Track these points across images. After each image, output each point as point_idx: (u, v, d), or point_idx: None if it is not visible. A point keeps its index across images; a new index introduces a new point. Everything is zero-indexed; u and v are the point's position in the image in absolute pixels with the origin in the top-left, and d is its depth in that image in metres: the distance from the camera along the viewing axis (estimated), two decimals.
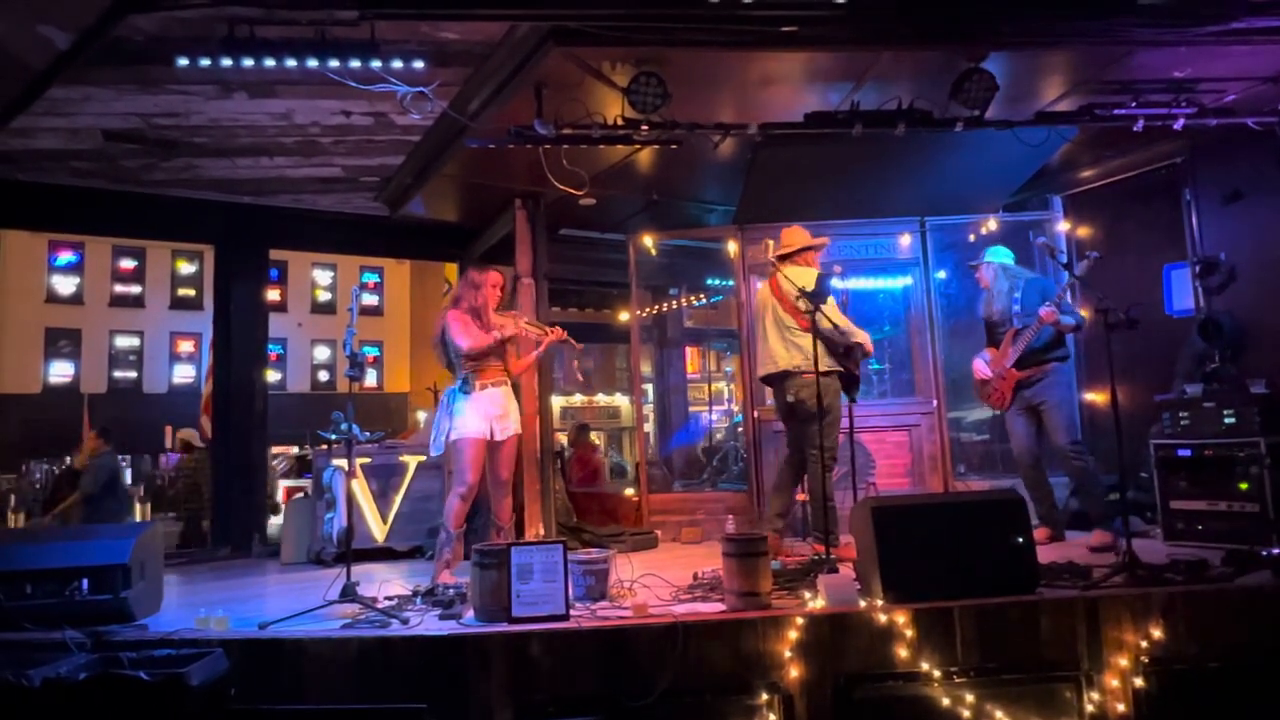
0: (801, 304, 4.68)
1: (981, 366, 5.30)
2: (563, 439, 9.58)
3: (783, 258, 4.93)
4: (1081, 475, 4.96)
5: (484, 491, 4.65)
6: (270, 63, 4.18)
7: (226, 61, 4.18)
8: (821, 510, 4.51)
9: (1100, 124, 4.86)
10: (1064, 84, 4.88)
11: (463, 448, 4.38)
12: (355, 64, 4.26)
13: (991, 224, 6.37)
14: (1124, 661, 3.38)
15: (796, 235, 5.04)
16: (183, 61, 4.28)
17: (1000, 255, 5.34)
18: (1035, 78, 4.82)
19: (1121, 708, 3.35)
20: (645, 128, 4.53)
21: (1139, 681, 3.36)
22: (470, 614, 3.58)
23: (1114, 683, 3.36)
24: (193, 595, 4.69)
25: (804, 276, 4.72)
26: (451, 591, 3.97)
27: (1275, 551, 3.86)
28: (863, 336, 4.87)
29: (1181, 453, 4.86)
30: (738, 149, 5.40)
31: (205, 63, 4.25)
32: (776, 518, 4.94)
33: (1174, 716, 3.36)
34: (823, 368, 4.67)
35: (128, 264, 23.23)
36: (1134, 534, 4.03)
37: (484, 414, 4.42)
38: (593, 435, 9.45)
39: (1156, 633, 3.41)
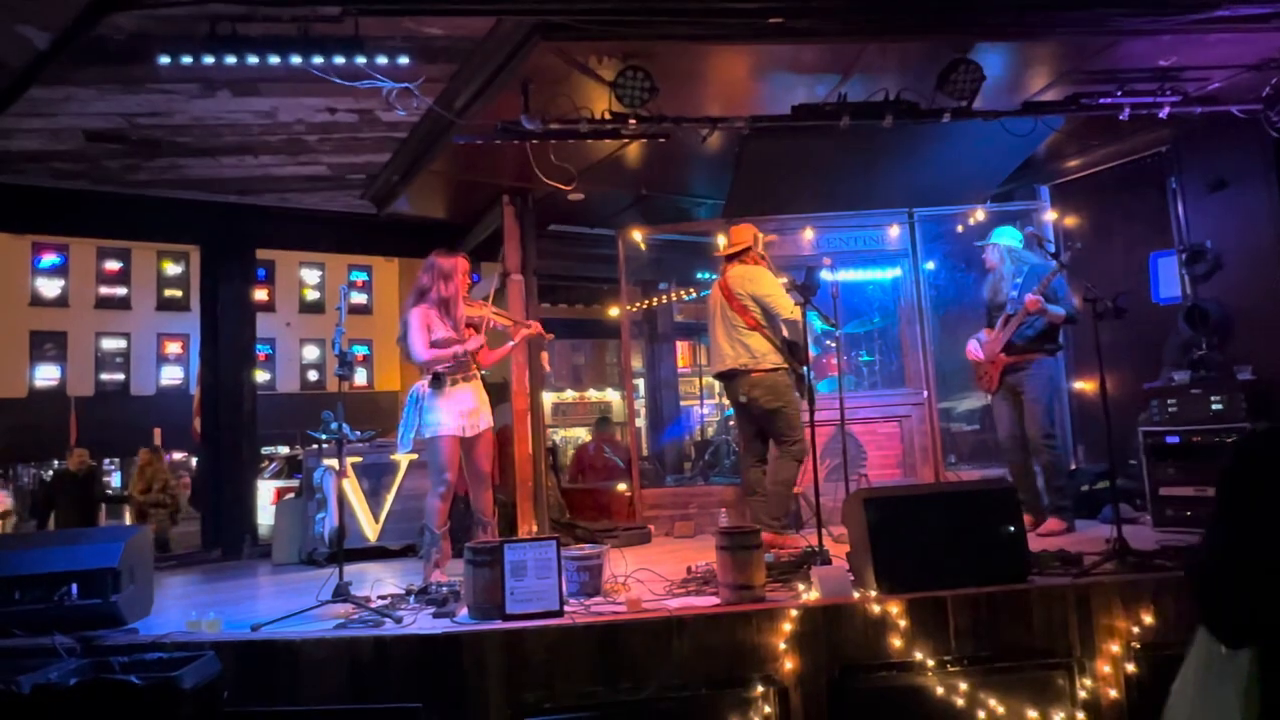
0: (752, 305, 4.71)
1: (974, 348, 5.34)
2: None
3: (730, 257, 4.99)
4: (1047, 467, 5.04)
5: (461, 488, 4.57)
6: (253, 60, 4.15)
7: (209, 59, 4.14)
8: (776, 497, 4.60)
9: (1086, 113, 4.90)
10: (1050, 74, 4.89)
11: (439, 447, 4.24)
12: (339, 60, 4.22)
13: (979, 214, 6.38)
14: (1115, 648, 3.41)
15: (743, 233, 5.07)
16: (164, 60, 4.23)
17: (1008, 236, 5.33)
18: (1021, 68, 4.83)
19: (1114, 693, 3.37)
20: (633, 122, 4.51)
21: (1130, 667, 3.39)
22: (464, 612, 3.57)
23: (1106, 669, 3.39)
24: (184, 598, 4.66)
25: (750, 275, 4.80)
26: (445, 590, 3.96)
27: None
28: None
29: (1170, 440, 4.90)
30: (726, 142, 5.39)
31: (187, 61, 4.21)
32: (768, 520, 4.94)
33: (1165, 701, 3.38)
34: (769, 365, 4.74)
35: (113, 265, 23.05)
36: (1124, 521, 4.05)
37: (456, 411, 4.27)
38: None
39: (1147, 618, 3.44)
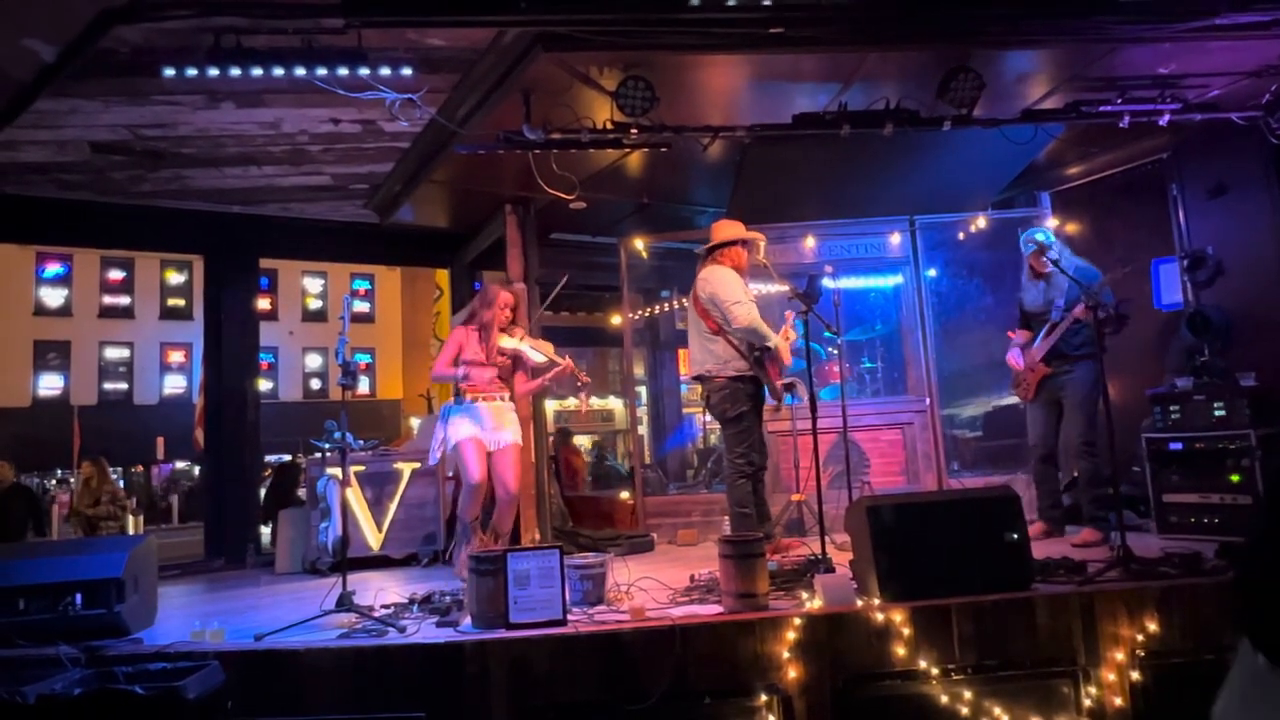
0: (712, 308, 4.56)
1: (1016, 356, 5.12)
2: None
3: (709, 250, 4.79)
4: (1087, 474, 4.89)
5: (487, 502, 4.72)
6: (257, 72, 4.17)
7: (213, 71, 4.17)
8: (734, 518, 4.53)
9: (1087, 120, 4.90)
10: (1050, 81, 4.90)
11: (459, 450, 4.55)
12: (343, 72, 4.25)
13: (981, 221, 6.40)
14: (1120, 655, 3.40)
15: (722, 229, 4.83)
16: (169, 72, 4.27)
17: (1050, 236, 5.09)
18: (1021, 76, 4.84)
19: (1119, 701, 3.36)
20: (634, 131, 4.53)
21: (1135, 675, 3.38)
22: (467, 621, 3.57)
23: (1111, 677, 3.38)
24: (187, 608, 4.67)
25: (713, 276, 4.65)
26: (448, 599, 3.96)
27: None
28: (777, 342, 4.56)
29: (1173, 446, 4.89)
30: (727, 151, 5.41)
31: (192, 73, 4.24)
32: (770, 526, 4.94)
33: (1170, 709, 3.37)
34: (732, 372, 4.57)
35: (116, 275, 23.15)
36: (1127, 528, 4.04)
37: (474, 424, 4.56)
38: (574, 439, 9.96)
39: (1152, 626, 3.43)
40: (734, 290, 4.57)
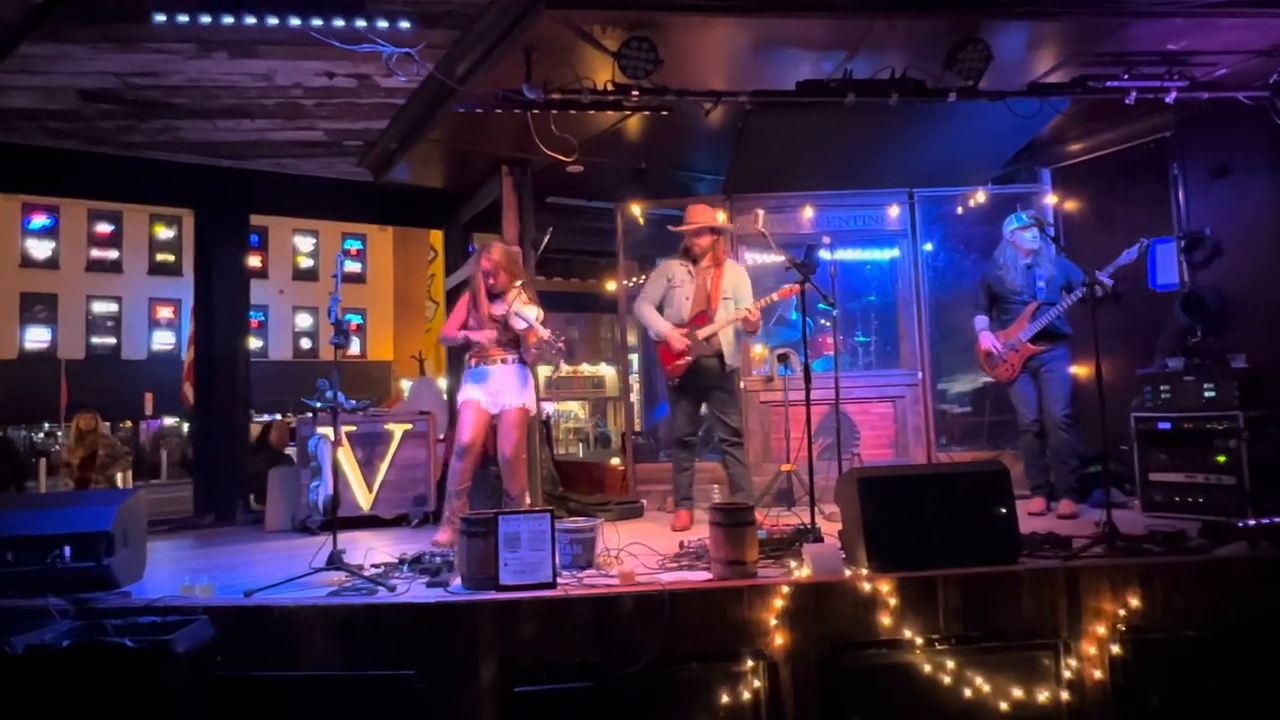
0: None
1: (992, 341, 5.21)
2: None
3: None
4: (1064, 447, 5.02)
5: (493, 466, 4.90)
6: (251, 20, 4.08)
7: (205, 18, 4.08)
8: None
9: (1093, 96, 4.85)
10: (1058, 55, 4.84)
11: (459, 411, 4.73)
12: (339, 23, 4.17)
13: (981, 196, 6.35)
14: (1102, 630, 3.45)
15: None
16: (160, 18, 4.17)
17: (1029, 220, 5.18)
18: (1030, 48, 4.78)
19: (1098, 674, 3.42)
20: (636, 94, 4.46)
21: (1116, 649, 3.43)
22: (457, 582, 3.59)
23: (1091, 650, 3.43)
24: (177, 563, 4.67)
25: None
26: (439, 559, 3.98)
27: (1251, 523, 3.93)
28: (659, 331, 5.19)
29: (1161, 425, 4.93)
30: (728, 117, 5.34)
31: (183, 19, 4.14)
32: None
33: (1149, 684, 3.43)
34: None
35: (104, 228, 22.87)
36: (1114, 505, 4.08)
37: (478, 386, 4.69)
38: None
39: (1134, 602, 3.47)
40: (649, 279, 5.34)
